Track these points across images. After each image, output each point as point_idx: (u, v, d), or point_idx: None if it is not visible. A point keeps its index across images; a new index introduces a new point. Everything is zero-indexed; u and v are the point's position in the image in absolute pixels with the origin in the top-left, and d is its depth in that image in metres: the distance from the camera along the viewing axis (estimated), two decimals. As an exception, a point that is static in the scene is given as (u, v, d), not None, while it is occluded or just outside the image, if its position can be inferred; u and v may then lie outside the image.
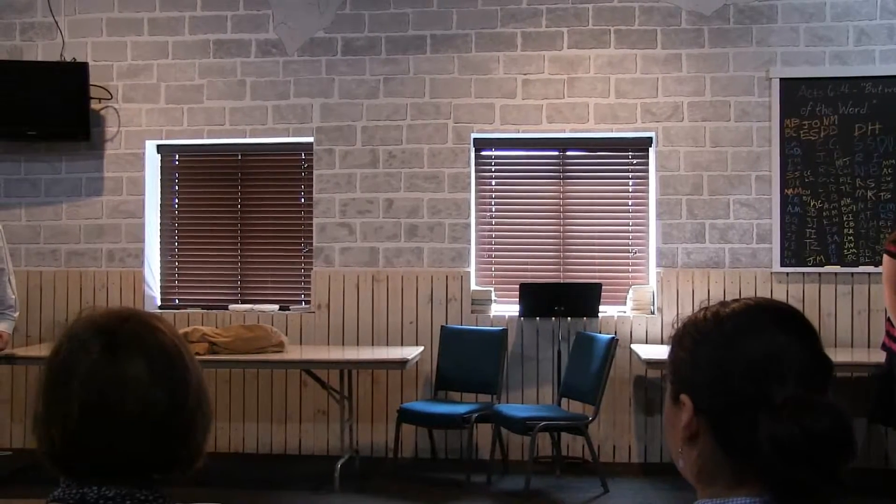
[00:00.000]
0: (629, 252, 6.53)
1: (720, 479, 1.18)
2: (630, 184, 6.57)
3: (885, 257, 4.94)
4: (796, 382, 1.14)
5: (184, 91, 6.66)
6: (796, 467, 1.08)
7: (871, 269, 6.09)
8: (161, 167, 6.86)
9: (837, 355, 5.17)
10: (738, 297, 1.32)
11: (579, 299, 6.12)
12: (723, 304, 1.25)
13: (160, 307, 6.74)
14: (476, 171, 6.58)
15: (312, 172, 6.59)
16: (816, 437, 1.08)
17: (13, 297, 5.33)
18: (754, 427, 1.11)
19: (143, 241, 6.68)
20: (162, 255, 6.85)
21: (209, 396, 1.32)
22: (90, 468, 1.23)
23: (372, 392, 6.42)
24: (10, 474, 5.77)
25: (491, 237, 6.62)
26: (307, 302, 6.65)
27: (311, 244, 6.59)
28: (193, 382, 1.27)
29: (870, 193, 6.17)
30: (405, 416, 5.87)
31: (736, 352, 1.18)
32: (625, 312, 6.37)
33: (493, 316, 6.41)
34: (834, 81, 6.19)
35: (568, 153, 6.61)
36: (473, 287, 6.50)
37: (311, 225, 6.61)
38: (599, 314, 6.18)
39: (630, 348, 6.10)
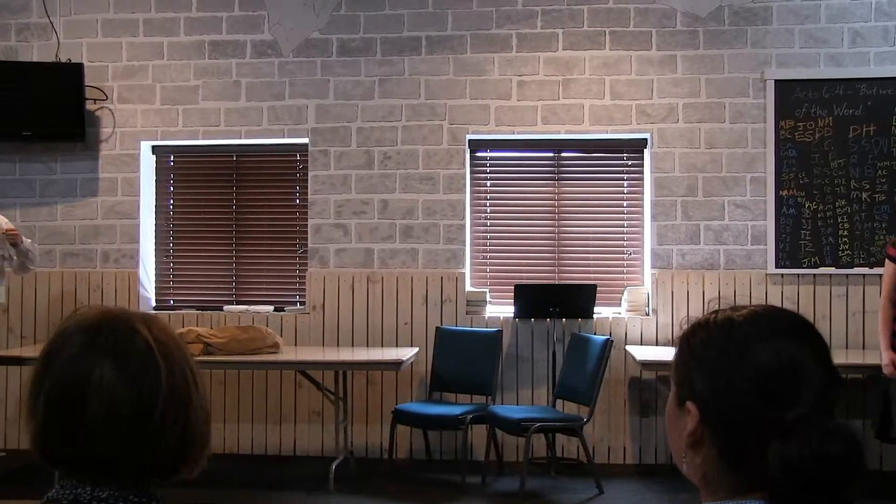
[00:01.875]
0: (624, 253, 6.53)
1: (723, 486, 1.17)
2: (625, 185, 6.58)
3: (886, 261, 5.02)
4: (808, 400, 1.11)
5: (179, 92, 6.65)
6: (805, 487, 1.06)
7: (865, 270, 6.10)
8: (156, 168, 6.85)
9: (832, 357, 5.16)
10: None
11: (574, 300, 6.12)
12: (734, 308, 1.21)
13: (155, 308, 6.73)
14: (471, 172, 6.59)
15: (307, 173, 6.58)
16: (828, 461, 1.06)
17: None
18: (762, 444, 1.08)
19: (138, 241, 6.67)
20: (157, 255, 6.84)
21: (197, 402, 1.27)
22: (62, 465, 1.23)
23: (367, 393, 6.41)
24: (5, 475, 5.76)
25: (486, 238, 6.62)
26: (302, 303, 6.64)
27: (307, 245, 6.59)
28: (166, 387, 1.22)
29: (864, 195, 6.18)
30: (400, 417, 5.87)
31: (745, 362, 1.14)
32: (620, 314, 6.37)
33: (489, 317, 6.41)
34: (829, 83, 6.21)
35: (563, 154, 6.62)
36: (468, 288, 6.50)
37: (306, 226, 6.60)
38: (594, 315, 6.19)
39: (625, 349, 6.11)
